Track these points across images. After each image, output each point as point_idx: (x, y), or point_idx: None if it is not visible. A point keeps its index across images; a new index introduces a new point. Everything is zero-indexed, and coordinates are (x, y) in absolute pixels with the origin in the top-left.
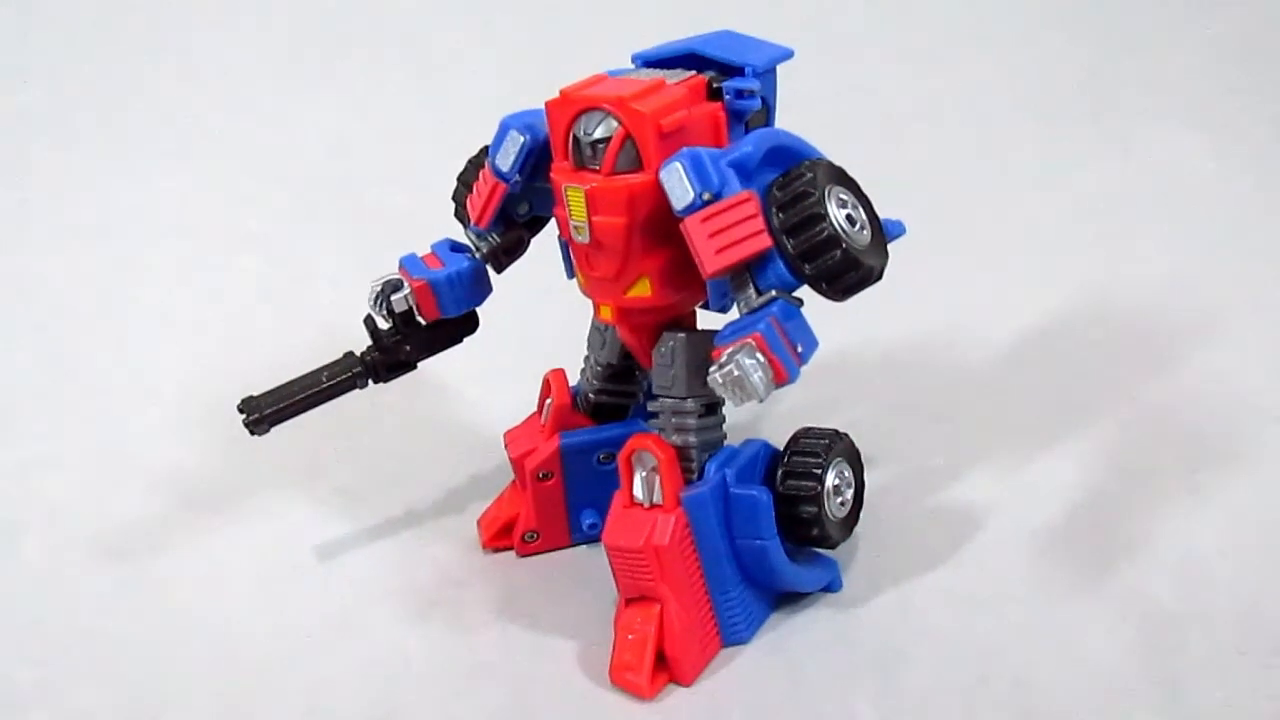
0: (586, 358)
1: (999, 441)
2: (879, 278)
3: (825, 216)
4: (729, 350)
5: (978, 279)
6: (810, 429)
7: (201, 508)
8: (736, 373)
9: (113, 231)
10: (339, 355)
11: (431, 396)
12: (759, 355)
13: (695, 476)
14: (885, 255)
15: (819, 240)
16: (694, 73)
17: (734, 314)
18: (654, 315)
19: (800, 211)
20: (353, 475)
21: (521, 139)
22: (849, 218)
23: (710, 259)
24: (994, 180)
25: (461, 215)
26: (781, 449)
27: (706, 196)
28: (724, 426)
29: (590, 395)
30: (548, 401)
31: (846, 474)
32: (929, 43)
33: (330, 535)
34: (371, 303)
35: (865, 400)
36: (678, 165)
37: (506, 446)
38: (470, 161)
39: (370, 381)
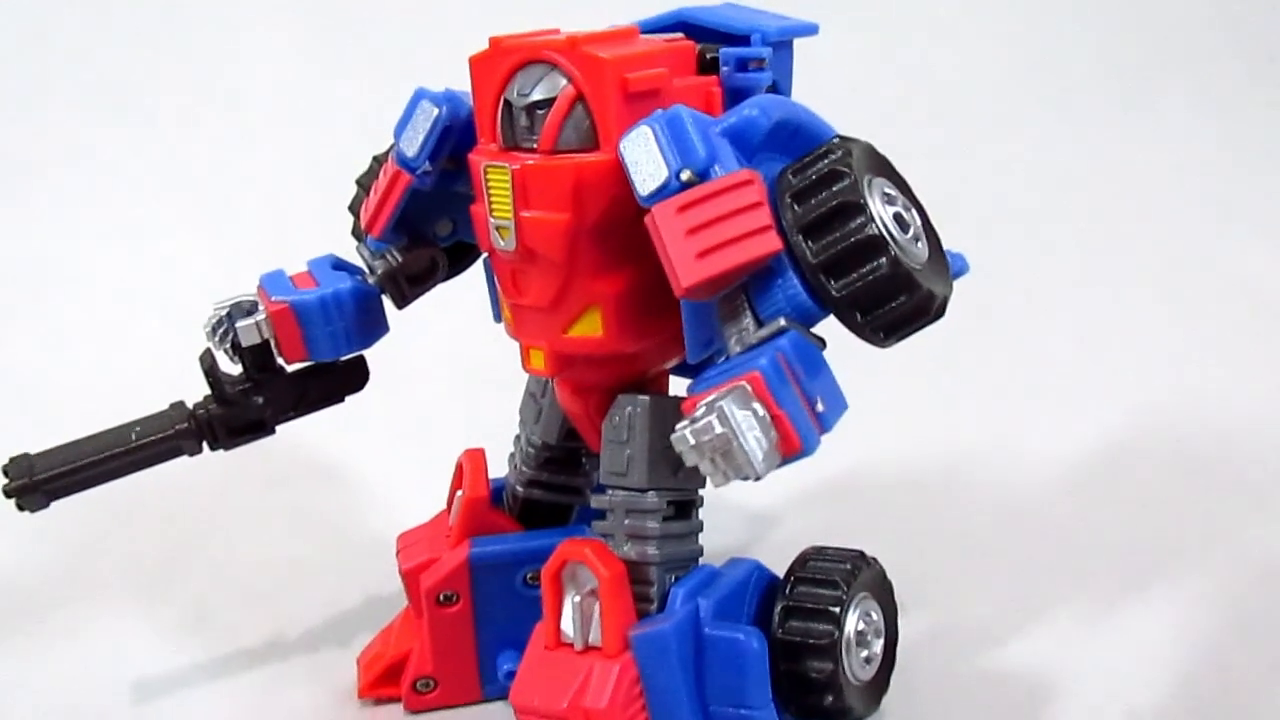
0: (517, 437)
1: (1063, 587)
2: (940, 313)
3: (864, 208)
4: (710, 397)
5: (1028, 388)
6: (824, 549)
7: (5, 615)
8: (719, 429)
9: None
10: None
11: (328, 483)
12: (756, 405)
13: (654, 607)
14: (949, 284)
15: (855, 242)
16: (681, 35)
17: None
18: (607, 369)
19: (827, 200)
20: (214, 582)
21: (435, 112)
22: (898, 219)
23: (687, 267)
24: (1048, 275)
25: (358, 229)
26: (783, 576)
27: (686, 176)
28: (700, 538)
29: (518, 489)
30: (458, 494)
31: (874, 616)
32: (980, 114)
33: (164, 664)
34: (209, 332)
35: (889, 529)
36: (646, 129)
37: (398, 554)
38: (375, 159)
39: (204, 446)
